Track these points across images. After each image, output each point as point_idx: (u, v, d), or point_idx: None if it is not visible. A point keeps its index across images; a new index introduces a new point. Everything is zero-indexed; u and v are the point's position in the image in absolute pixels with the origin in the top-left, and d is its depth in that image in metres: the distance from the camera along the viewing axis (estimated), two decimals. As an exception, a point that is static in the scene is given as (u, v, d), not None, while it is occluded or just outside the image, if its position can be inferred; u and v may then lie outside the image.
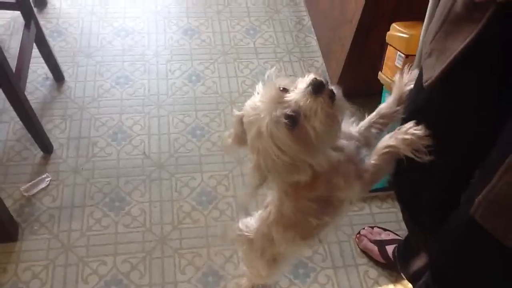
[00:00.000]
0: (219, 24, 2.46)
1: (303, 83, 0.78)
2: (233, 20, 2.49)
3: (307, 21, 2.51)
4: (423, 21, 1.47)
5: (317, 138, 0.78)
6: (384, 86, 1.72)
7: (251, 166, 0.83)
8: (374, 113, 1.01)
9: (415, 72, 0.98)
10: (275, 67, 0.86)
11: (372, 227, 1.71)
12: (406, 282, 1.59)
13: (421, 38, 1.50)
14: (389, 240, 1.64)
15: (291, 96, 0.77)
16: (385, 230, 1.70)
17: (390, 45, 1.63)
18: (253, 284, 1.49)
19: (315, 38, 2.41)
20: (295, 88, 0.79)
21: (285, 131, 0.75)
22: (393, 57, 1.63)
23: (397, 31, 1.60)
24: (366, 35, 1.86)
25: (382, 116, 1.00)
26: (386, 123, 1.01)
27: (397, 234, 1.69)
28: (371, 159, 0.93)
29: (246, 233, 1.15)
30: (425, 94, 0.93)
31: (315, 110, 0.76)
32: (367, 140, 0.99)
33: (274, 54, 2.34)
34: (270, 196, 1.07)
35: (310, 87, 0.76)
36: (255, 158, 0.82)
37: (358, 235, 1.70)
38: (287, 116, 0.76)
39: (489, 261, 0.89)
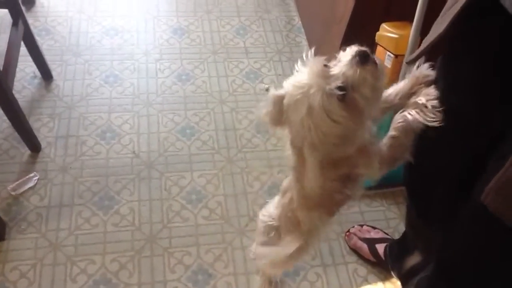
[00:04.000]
0: (209, 24, 2.46)
1: (347, 55, 0.81)
2: (223, 19, 2.49)
3: (297, 21, 2.51)
4: (412, 21, 1.49)
5: (367, 106, 0.81)
6: (373, 86, 1.72)
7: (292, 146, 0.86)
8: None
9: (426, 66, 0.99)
10: (313, 49, 0.88)
11: (362, 225, 1.71)
12: (395, 280, 1.60)
13: (410, 38, 1.51)
14: (378, 238, 1.65)
15: (337, 69, 0.80)
16: (374, 228, 1.71)
17: (380, 45, 1.65)
18: (269, 279, 1.50)
19: (305, 38, 2.42)
20: (339, 61, 0.82)
21: (338, 103, 0.78)
22: (382, 57, 1.64)
23: (386, 31, 1.62)
24: (355, 35, 1.85)
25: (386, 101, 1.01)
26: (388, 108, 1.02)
27: (386, 233, 1.69)
28: (389, 133, 0.96)
29: (270, 222, 1.18)
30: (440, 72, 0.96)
31: (364, 78, 0.79)
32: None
33: (264, 53, 2.34)
34: (287, 182, 1.11)
35: (357, 57, 0.79)
36: (307, 135, 0.82)
37: (347, 233, 1.70)
38: (339, 88, 0.78)
39: (499, 250, 0.89)
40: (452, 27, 0.84)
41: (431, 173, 1.08)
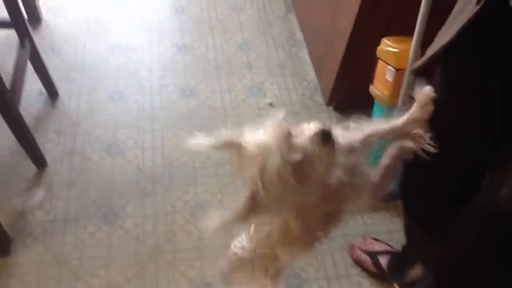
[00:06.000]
0: (213, 39, 2.49)
1: (310, 130, 0.82)
2: (226, 35, 2.52)
3: (299, 35, 2.54)
4: (413, 36, 1.50)
5: (316, 181, 0.83)
6: (375, 99, 1.74)
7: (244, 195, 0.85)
8: (378, 128, 1.03)
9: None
10: (283, 112, 0.88)
11: (365, 238, 1.72)
12: (399, 292, 1.60)
13: (411, 52, 1.53)
14: (381, 250, 1.65)
15: (299, 142, 0.81)
16: (377, 240, 1.70)
17: (381, 59, 1.66)
18: None
19: (307, 52, 2.44)
20: (302, 133, 0.83)
21: (292, 173, 0.79)
22: (383, 71, 1.65)
23: (387, 46, 1.63)
24: (357, 49, 1.89)
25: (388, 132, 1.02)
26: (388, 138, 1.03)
27: (389, 245, 1.69)
28: (383, 161, 0.98)
29: (243, 255, 1.12)
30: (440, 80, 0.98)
31: (321, 157, 0.81)
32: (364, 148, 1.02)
33: (267, 68, 2.36)
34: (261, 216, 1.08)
35: (320, 135, 0.81)
36: (253, 186, 0.84)
37: (350, 246, 1.70)
38: (296, 161, 0.79)
39: (504, 256, 0.91)
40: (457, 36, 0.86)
41: (427, 183, 1.09)
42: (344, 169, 0.93)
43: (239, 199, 0.86)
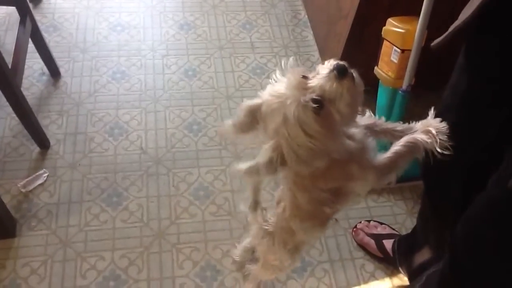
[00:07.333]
0: (215, 19, 2.46)
1: (325, 68, 0.80)
2: (229, 14, 2.49)
3: (303, 15, 2.51)
4: (418, 16, 1.48)
5: (342, 121, 0.81)
6: (380, 81, 1.72)
7: (267, 148, 0.84)
8: (392, 125, 1.03)
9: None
10: (292, 57, 0.87)
11: (369, 221, 1.72)
12: (402, 275, 1.61)
13: (417, 32, 1.51)
14: (385, 234, 1.66)
15: (315, 82, 0.79)
16: (381, 224, 1.71)
17: (386, 40, 1.64)
18: (259, 283, 1.50)
19: (311, 32, 2.41)
20: (317, 73, 0.81)
21: (313, 115, 0.78)
22: (389, 52, 1.64)
23: (392, 26, 1.61)
24: (361, 30, 1.87)
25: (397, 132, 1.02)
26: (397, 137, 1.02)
27: (393, 228, 1.70)
28: (392, 148, 0.96)
29: (266, 227, 1.16)
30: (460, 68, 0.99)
31: (340, 93, 0.79)
32: (373, 133, 1.01)
33: (271, 48, 2.34)
34: (280, 192, 1.10)
35: (335, 71, 0.79)
36: (277, 143, 0.83)
37: (354, 229, 1.71)
38: (314, 101, 0.78)
39: None
40: (479, 13, 0.84)
41: (448, 165, 1.09)
42: (357, 143, 0.92)
43: (265, 149, 0.84)
